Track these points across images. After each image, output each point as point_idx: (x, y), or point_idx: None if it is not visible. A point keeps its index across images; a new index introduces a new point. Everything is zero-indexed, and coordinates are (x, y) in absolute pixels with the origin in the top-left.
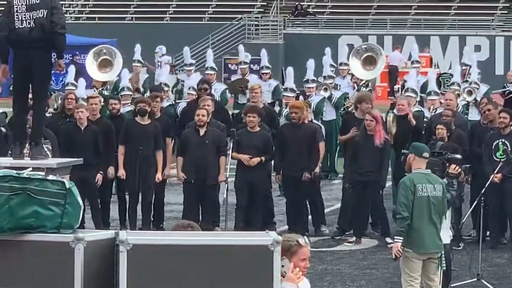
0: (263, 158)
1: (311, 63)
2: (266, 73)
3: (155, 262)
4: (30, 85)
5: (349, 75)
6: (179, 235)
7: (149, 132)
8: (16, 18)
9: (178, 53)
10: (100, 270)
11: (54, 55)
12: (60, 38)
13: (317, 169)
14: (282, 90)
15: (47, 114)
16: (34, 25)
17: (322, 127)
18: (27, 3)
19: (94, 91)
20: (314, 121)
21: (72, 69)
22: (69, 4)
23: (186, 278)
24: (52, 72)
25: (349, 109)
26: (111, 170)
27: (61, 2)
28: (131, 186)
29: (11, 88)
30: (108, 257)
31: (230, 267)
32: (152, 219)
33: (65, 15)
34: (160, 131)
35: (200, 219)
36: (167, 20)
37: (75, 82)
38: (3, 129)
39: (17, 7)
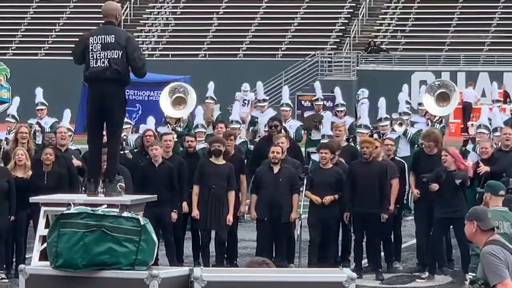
0: (336, 196)
1: (382, 102)
2: (341, 111)
3: None
4: (105, 123)
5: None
6: (254, 271)
7: (222, 172)
8: (92, 57)
9: (252, 89)
10: None
11: (127, 92)
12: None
13: (391, 206)
14: (356, 127)
15: (127, 151)
16: (108, 65)
17: (405, 163)
18: (103, 42)
19: (168, 127)
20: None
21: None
22: (143, 41)
23: None
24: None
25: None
26: (184, 205)
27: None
28: (203, 225)
29: (85, 125)
30: None
31: None
32: (225, 255)
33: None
34: (233, 171)
35: (274, 256)
36: (240, 57)
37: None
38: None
39: (92, 46)
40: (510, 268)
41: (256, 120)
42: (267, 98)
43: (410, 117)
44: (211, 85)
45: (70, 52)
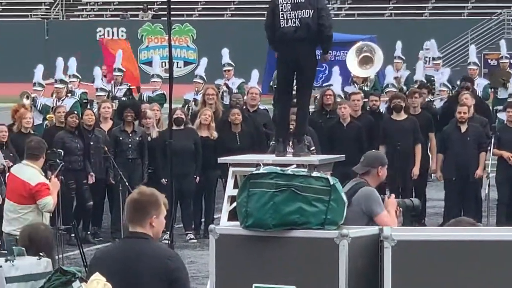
0: None
1: None
2: None
3: (420, 258)
4: (295, 82)
5: None
6: (444, 230)
7: (405, 127)
8: (282, 17)
9: (438, 48)
10: (364, 266)
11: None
12: (327, 39)
13: None
14: None
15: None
16: (299, 24)
17: None
18: (292, 2)
19: (355, 87)
20: None
21: (336, 69)
22: (328, 1)
23: (450, 274)
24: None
25: None
26: None
27: None
28: (390, 182)
29: (270, 85)
30: (372, 253)
31: (492, 262)
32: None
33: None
34: (417, 125)
35: (462, 214)
36: (426, 16)
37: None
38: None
39: (282, 6)
40: None
41: (432, 78)
42: (441, 55)
43: None
44: (398, 45)
45: (257, 13)
